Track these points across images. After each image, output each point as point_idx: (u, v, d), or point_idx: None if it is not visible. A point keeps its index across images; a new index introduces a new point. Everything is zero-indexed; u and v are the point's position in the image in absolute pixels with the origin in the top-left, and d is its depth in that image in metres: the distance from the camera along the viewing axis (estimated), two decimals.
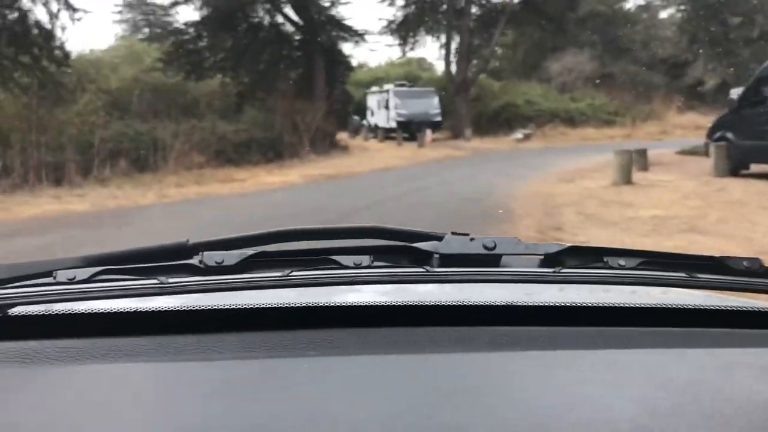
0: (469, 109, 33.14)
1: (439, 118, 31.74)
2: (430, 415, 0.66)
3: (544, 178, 14.58)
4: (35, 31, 16.36)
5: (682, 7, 54.58)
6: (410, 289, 1.06)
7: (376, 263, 0.89)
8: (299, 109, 22.32)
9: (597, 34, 53.47)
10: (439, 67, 54.78)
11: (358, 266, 0.88)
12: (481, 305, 0.97)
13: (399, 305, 0.97)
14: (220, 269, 0.84)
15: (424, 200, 11.30)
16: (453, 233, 0.93)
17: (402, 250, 0.91)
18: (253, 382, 0.76)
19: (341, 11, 23.87)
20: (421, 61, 53.93)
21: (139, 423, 0.64)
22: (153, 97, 24.64)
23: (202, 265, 0.84)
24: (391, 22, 30.92)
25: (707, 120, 39.13)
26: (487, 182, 13.70)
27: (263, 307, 0.92)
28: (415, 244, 0.90)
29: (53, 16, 16.53)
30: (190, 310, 0.91)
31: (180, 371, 0.78)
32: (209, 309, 0.91)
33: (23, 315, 0.88)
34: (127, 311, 0.91)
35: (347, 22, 24.27)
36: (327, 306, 0.97)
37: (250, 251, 0.87)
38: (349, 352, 0.84)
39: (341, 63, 24.79)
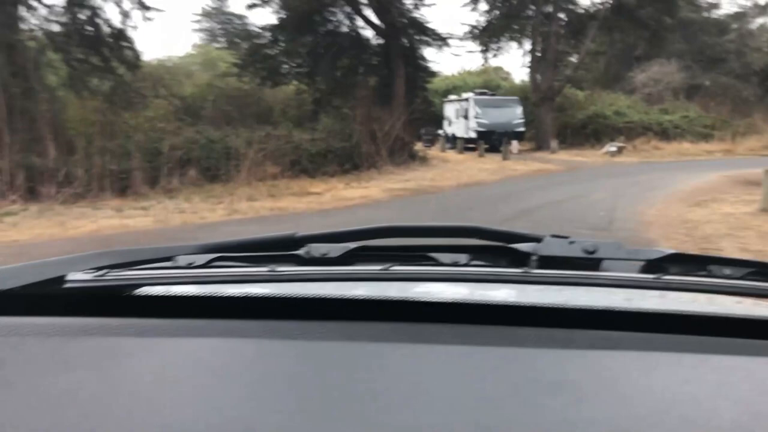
0: (553, 119, 30.95)
1: (522, 129, 29.68)
2: (533, 404, 0.65)
3: (667, 199, 12.47)
4: (106, 30, 15.23)
5: None
6: (507, 288, 1.01)
7: (474, 262, 0.91)
8: (378, 117, 20.76)
9: (686, 43, 50.46)
10: (517, 75, 52.62)
11: (456, 264, 0.90)
12: (581, 309, 0.91)
13: (496, 304, 0.93)
14: (324, 261, 0.89)
15: (534, 227, 9.42)
16: (553, 236, 0.93)
17: (500, 251, 0.93)
18: (354, 364, 0.76)
19: (424, 14, 22.13)
20: (497, 70, 51.99)
21: (248, 394, 0.67)
22: (226, 103, 23.59)
23: (308, 257, 0.90)
24: (474, 28, 29.10)
25: None
26: (603, 204, 11.70)
27: (364, 299, 0.90)
28: (513, 245, 0.92)
29: (125, 15, 15.40)
30: (297, 297, 0.90)
31: (286, 351, 0.79)
32: (314, 298, 0.90)
33: (146, 295, 0.91)
34: (239, 296, 0.91)
35: (430, 26, 22.56)
36: (425, 301, 0.92)
37: (352, 245, 0.91)
38: (447, 344, 0.80)
39: (423, 69, 23.11)
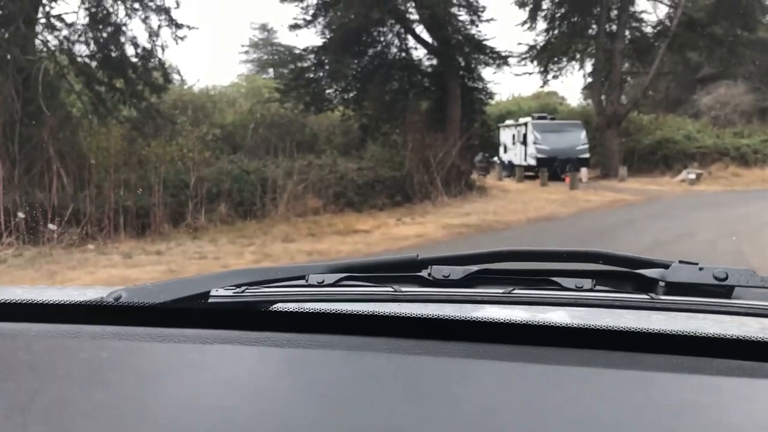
0: (619, 145, 28.32)
1: (586, 155, 27.12)
2: (659, 426, 0.64)
3: None
4: (131, 50, 13.51)
5: None
6: (634, 314, 0.99)
7: (598, 287, 0.89)
8: (431, 144, 18.63)
9: (753, 63, 47.30)
10: (572, 99, 50.07)
11: (579, 289, 0.88)
12: (712, 337, 0.88)
13: (622, 330, 0.88)
14: (447, 283, 0.90)
15: None
16: (681, 261, 0.90)
17: (625, 276, 0.91)
18: (475, 380, 0.76)
19: (481, 30, 19.99)
20: (551, 95, 49.50)
21: (372, 402, 0.69)
22: (268, 131, 21.81)
23: (431, 278, 0.91)
24: (532, 47, 26.81)
25: None
26: (722, 247, 9.23)
27: (487, 321, 0.91)
28: (639, 271, 0.90)
29: (153, 34, 13.68)
30: (420, 317, 0.92)
31: (409, 365, 0.80)
32: (437, 318, 0.91)
33: (281, 311, 0.95)
34: (366, 314, 0.94)
35: (488, 43, 20.39)
36: (549, 325, 0.91)
37: (474, 267, 0.92)
38: (572, 365, 0.80)
39: (480, 90, 20.90)
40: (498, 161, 29.49)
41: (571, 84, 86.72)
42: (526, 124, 28.01)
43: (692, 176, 22.72)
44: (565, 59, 28.17)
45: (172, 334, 0.90)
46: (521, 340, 0.87)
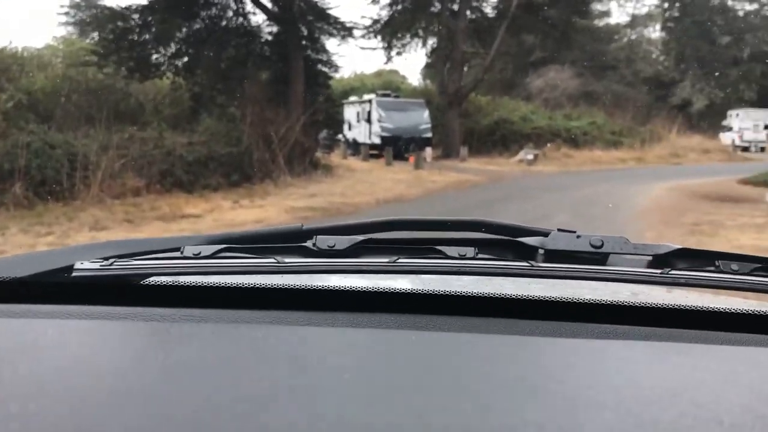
0: (460, 125, 28.36)
1: (429, 134, 26.79)
2: (540, 388, 0.65)
3: (647, 224, 9.72)
4: None
5: (669, 24, 51.23)
6: (514, 282, 1.01)
7: (480, 255, 0.90)
8: (272, 118, 17.09)
9: (579, 50, 49.97)
10: (413, 80, 50.24)
11: (462, 257, 0.89)
12: (587, 302, 0.92)
13: (503, 297, 0.93)
14: (331, 253, 0.88)
15: None
16: (559, 230, 0.92)
17: (507, 244, 0.92)
18: (360, 349, 0.77)
19: None
20: (393, 73, 49.33)
21: (256, 378, 0.67)
22: (85, 100, 19.05)
23: (315, 248, 0.88)
24: (376, 21, 25.87)
25: (714, 143, 35.24)
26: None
27: (370, 290, 0.91)
28: (520, 239, 0.91)
29: None
30: (302, 288, 0.91)
31: (291, 336, 0.79)
32: (321, 289, 0.91)
33: (153, 284, 0.91)
34: (246, 287, 0.92)
35: (332, 12, 19.09)
36: (432, 293, 0.93)
37: (360, 237, 0.90)
38: (453, 332, 0.81)
39: (325, 62, 19.59)
40: (343, 139, 28.45)
41: (411, 64, 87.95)
42: (370, 101, 27.14)
43: (530, 157, 23.05)
44: (408, 35, 27.57)
45: (30, 310, 0.85)
46: (404, 309, 0.87)
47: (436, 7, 26.89)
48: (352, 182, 16.39)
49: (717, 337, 0.83)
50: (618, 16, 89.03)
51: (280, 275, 0.90)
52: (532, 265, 0.88)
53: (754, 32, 46.11)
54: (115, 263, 0.88)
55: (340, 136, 28.85)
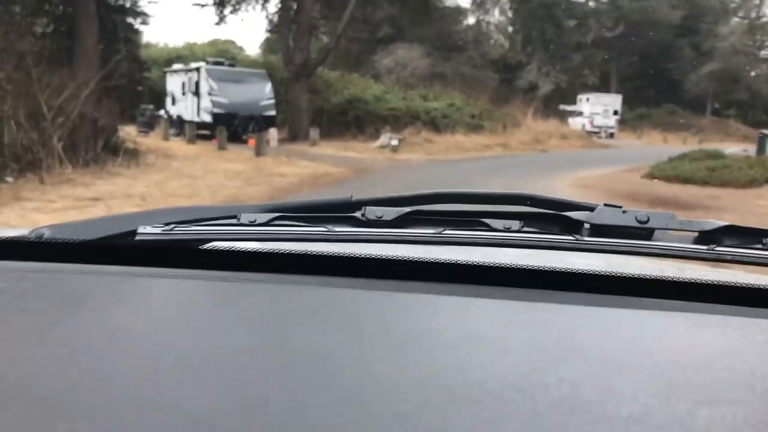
0: (309, 102, 23.99)
1: (272, 112, 22.15)
2: (582, 351, 0.67)
3: None
4: None
5: (515, 6, 49.89)
6: (558, 255, 1.01)
7: (525, 228, 0.90)
8: (47, 82, 11.73)
9: (426, 29, 47.38)
10: (251, 51, 44.88)
11: (508, 230, 0.89)
12: (632, 277, 0.93)
13: (547, 270, 0.92)
14: (380, 223, 0.89)
15: None
16: (606, 205, 0.92)
17: (552, 218, 0.92)
18: (408, 310, 0.79)
19: None
20: (229, 44, 43.74)
21: (308, 335, 0.69)
22: None
23: (364, 219, 0.90)
24: None
25: (569, 129, 33.62)
26: None
27: (417, 260, 0.93)
28: (565, 213, 0.90)
29: None
30: (352, 256, 0.95)
31: (345, 299, 0.81)
32: (369, 257, 0.94)
33: (211, 249, 0.94)
34: (299, 253, 0.95)
35: None
36: (477, 264, 0.94)
37: (407, 209, 0.91)
38: (497, 299, 0.83)
39: (127, 11, 14.25)
40: (165, 116, 22.96)
41: (251, 36, 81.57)
42: (198, 70, 21.90)
43: (394, 143, 19.20)
44: None
45: (98, 269, 0.88)
46: (450, 278, 0.90)
47: None
48: (165, 176, 11.50)
49: (757, 312, 0.82)
50: None
51: (330, 243, 0.92)
52: (577, 239, 0.87)
53: (597, 17, 45.91)
54: (175, 228, 0.89)
55: (161, 111, 23.33)
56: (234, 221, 0.90)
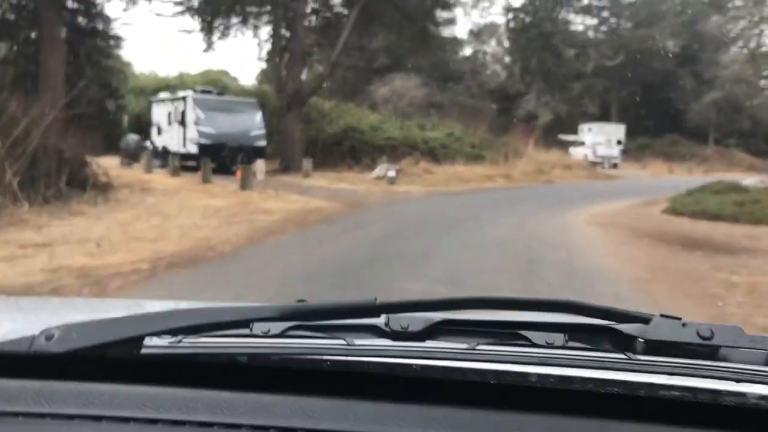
0: (302, 132, 22.81)
1: (263, 143, 20.96)
2: None
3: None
4: None
5: (513, 36, 49.17)
6: (608, 377, 0.86)
7: (570, 343, 0.82)
8: (4, 110, 10.46)
9: (423, 58, 46.73)
10: (247, 82, 44.03)
11: (550, 345, 0.81)
12: (698, 403, 0.79)
13: (596, 393, 0.80)
14: (405, 335, 0.82)
15: None
16: (662, 315, 0.82)
17: (601, 331, 0.83)
18: None
19: None
20: (223, 74, 42.83)
21: None
22: None
23: (388, 329, 0.83)
24: None
25: (572, 159, 32.45)
26: None
27: (446, 381, 0.82)
28: (616, 326, 0.83)
29: None
30: (373, 374, 0.83)
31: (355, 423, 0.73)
32: (392, 376, 0.83)
33: (220, 365, 0.86)
34: (314, 370, 0.85)
35: None
36: (515, 385, 0.81)
37: (436, 317, 0.84)
38: None
39: (99, 33, 13.06)
40: (150, 146, 21.70)
41: (247, 68, 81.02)
42: (185, 99, 20.71)
43: (392, 174, 17.91)
44: (233, 15, 21.49)
45: (101, 389, 0.80)
46: (487, 405, 0.78)
47: None
48: (134, 214, 10.15)
49: None
50: (463, 26, 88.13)
51: (350, 358, 0.83)
52: (630, 358, 0.79)
53: (597, 46, 45.09)
54: (183, 340, 0.84)
55: (147, 142, 22.10)
56: (246, 332, 0.84)
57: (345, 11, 22.40)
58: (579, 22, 47.76)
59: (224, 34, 21.08)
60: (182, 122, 20.44)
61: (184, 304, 0.91)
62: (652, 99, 46.73)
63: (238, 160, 18.81)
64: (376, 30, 25.33)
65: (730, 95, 42.85)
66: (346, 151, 24.55)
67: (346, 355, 0.82)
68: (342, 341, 0.83)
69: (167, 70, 48.61)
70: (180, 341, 0.84)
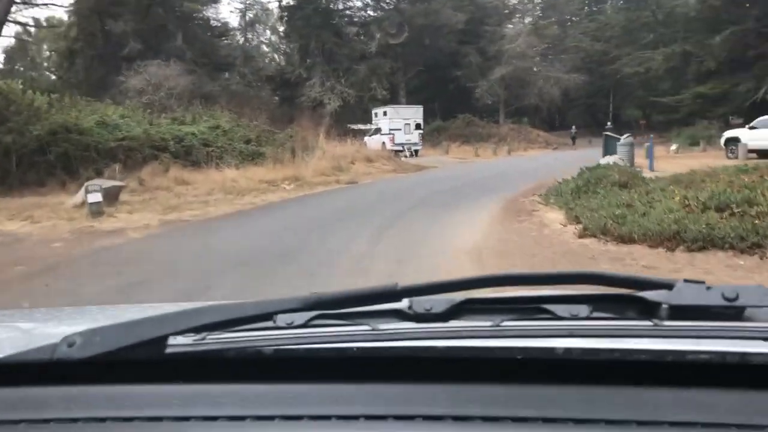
0: None
1: None
2: None
3: None
4: None
5: (286, 14, 42.45)
6: (635, 344, 0.84)
7: (595, 314, 0.79)
8: None
9: (186, 43, 38.61)
10: None
11: (575, 317, 0.79)
12: (726, 364, 0.78)
13: (624, 361, 0.78)
14: (429, 317, 0.81)
15: None
16: (686, 280, 0.80)
17: (625, 299, 0.81)
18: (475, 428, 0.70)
19: None
20: None
21: None
22: None
23: (411, 312, 0.82)
24: None
25: (371, 150, 26.64)
26: None
27: (472, 359, 0.81)
28: (640, 293, 0.80)
29: None
30: (401, 357, 0.82)
31: (388, 427, 0.72)
32: (420, 357, 0.82)
33: (247, 359, 0.84)
34: (341, 357, 0.84)
35: None
36: (544, 359, 0.80)
37: (458, 297, 0.82)
38: (574, 413, 0.71)
39: None
40: None
41: None
42: None
43: (95, 198, 10.15)
44: None
45: (127, 391, 0.80)
46: (515, 380, 0.78)
47: None
48: None
49: None
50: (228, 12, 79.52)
51: (375, 343, 0.81)
52: (656, 324, 0.76)
53: (379, 24, 39.98)
54: (208, 337, 0.82)
55: None
56: (270, 324, 0.82)
57: None
58: None
59: None
60: None
61: (199, 304, 0.87)
62: (441, 78, 42.98)
63: None
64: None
65: (517, 70, 40.30)
66: (55, 160, 16.20)
67: (372, 341, 0.79)
68: (367, 327, 0.80)
69: None
70: (204, 338, 0.81)
